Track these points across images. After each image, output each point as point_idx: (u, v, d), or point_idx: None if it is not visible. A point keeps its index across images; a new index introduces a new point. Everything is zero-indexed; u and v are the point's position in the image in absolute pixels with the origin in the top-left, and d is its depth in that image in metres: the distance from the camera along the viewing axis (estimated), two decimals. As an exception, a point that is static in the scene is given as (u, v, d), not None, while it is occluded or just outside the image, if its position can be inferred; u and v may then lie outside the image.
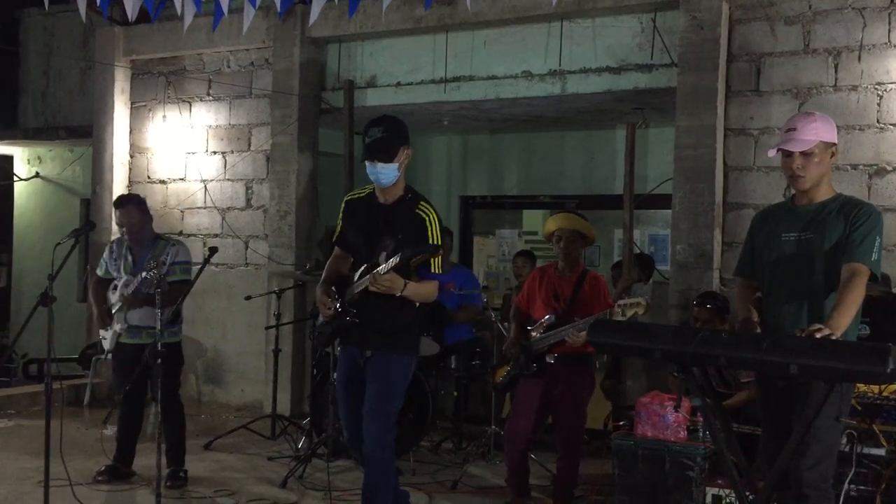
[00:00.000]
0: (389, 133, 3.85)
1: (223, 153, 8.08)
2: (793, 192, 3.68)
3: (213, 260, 5.34)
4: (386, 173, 3.86)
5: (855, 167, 5.69)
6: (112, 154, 8.41)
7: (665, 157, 7.93)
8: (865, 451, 4.11)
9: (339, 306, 3.91)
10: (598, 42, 6.63)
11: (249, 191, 7.95)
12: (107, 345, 5.23)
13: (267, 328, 6.38)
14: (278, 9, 7.06)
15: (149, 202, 8.20)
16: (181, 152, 8.25)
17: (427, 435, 6.14)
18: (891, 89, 5.59)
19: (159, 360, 4.16)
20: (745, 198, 6.00)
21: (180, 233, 8.12)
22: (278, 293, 6.41)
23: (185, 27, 7.40)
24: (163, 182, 8.36)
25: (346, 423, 4.01)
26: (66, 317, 9.31)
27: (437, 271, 3.90)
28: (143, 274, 4.72)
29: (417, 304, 3.97)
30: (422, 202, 3.97)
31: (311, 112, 7.62)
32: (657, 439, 4.65)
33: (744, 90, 6.01)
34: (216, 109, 8.10)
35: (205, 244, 8.00)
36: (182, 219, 8.23)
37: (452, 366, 6.10)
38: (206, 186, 8.06)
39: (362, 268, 3.87)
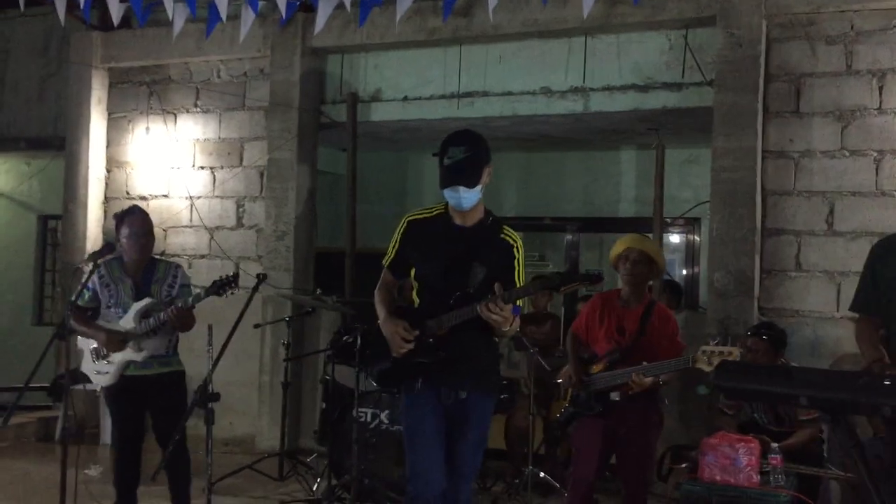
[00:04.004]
0: (473, 153, 3.44)
1: (212, 168, 7.55)
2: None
3: (195, 283, 4.87)
4: (469, 198, 3.46)
5: (901, 193, 5.50)
6: (87, 168, 7.80)
7: (675, 179, 7.72)
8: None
9: (425, 340, 3.46)
10: (622, 59, 6.35)
11: (241, 209, 7.43)
12: (106, 379, 4.62)
13: (285, 360, 5.87)
14: (282, 15, 6.68)
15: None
16: (165, 167, 7.69)
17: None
18: (938, 113, 5.42)
19: (210, 404, 3.65)
20: (785, 223, 5.76)
21: (163, 253, 7.52)
22: (290, 320, 5.90)
23: (175, 33, 6.99)
24: (143, 199, 7.77)
25: (427, 476, 3.46)
26: (21, 342, 8.60)
27: (520, 305, 3.50)
28: (179, 303, 4.34)
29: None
30: (505, 226, 3.59)
31: (310, 126, 7.16)
32: (729, 484, 4.31)
33: (783, 111, 5.79)
34: (204, 122, 7.57)
35: (190, 265, 7.46)
36: (165, 238, 7.64)
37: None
38: (192, 204, 7.51)
39: (454, 297, 3.43)
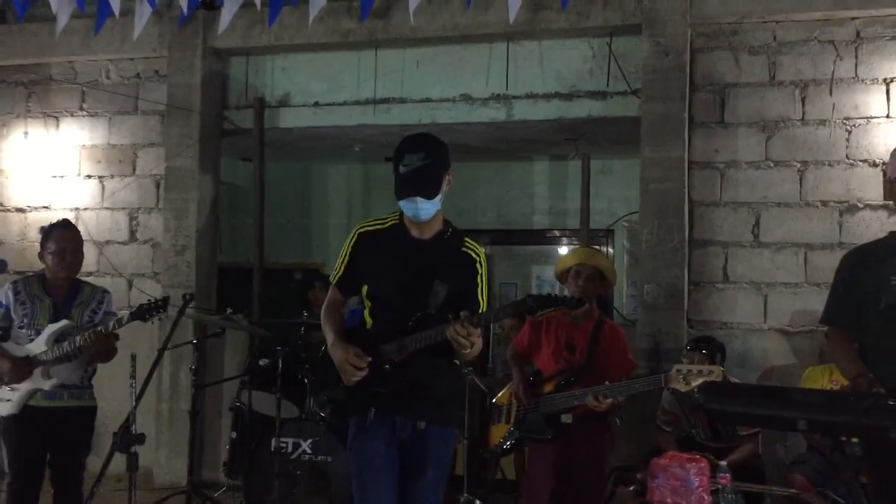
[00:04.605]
0: (432, 160, 3.11)
1: (100, 177, 6.91)
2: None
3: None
4: (427, 209, 3.14)
5: (825, 204, 5.52)
6: (-46, 177, 7.02)
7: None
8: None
9: (381, 366, 3.10)
10: (545, 66, 6.17)
11: (134, 221, 6.83)
12: (7, 408, 4.06)
13: (198, 387, 5.32)
14: (182, 11, 6.20)
15: (4, 233, 7.05)
16: (45, 176, 6.99)
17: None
18: (859, 125, 5.48)
19: (132, 449, 3.17)
20: (712, 235, 5.69)
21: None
22: (197, 342, 5.38)
23: (58, 29, 6.40)
24: (21, 210, 7.04)
25: None
26: None
27: (484, 325, 3.19)
28: (100, 328, 3.95)
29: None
30: (466, 238, 3.28)
31: (213, 132, 6.65)
32: (682, 506, 4.13)
33: (708, 122, 5.73)
34: (92, 126, 6.93)
35: (76, 284, 6.79)
36: (46, 254, 6.93)
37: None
38: (78, 216, 6.84)
39: (413, 319, 3.09)
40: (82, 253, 4.31)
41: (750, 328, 5.60)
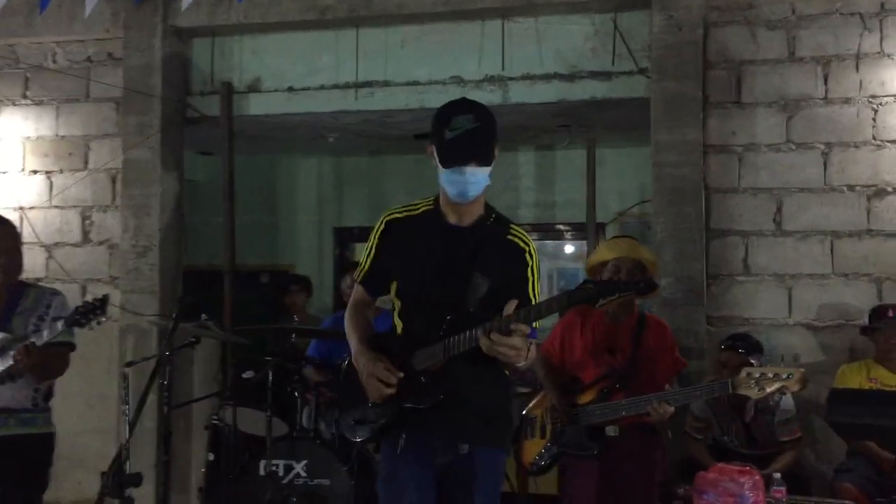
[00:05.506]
0: (484, 122, 2.69)
1: (48, 172, 6.21)
2: None
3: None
4: (477, 181, 2.69)
5: (852, 188, 5.13)
6: None
7: (577, 181, 7.21)
8: None
9: (416, 378, 2.56)
10: (542, 45, 5.68)
11: (87, 221, 6.14)
12: None
13: (172, 407, 4.67)
14: (139, -14, 5.57)
15: (-63, 237, 6.29)
16: (-15, 172, 6.28)
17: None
18: (886, 103, 5.10)
19: (127, 492, 2.56)
20: (730, 224, 5.26)
21: (-16, 278, 6.12)
22: (169, 354, 4.73)
23: (-3, 7, 5.72)
24: (-43, 211, 6.31)
25: None
26: None
27: (537, 327, 2.67)
28: (33, 338, 3.35)
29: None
30: (512, 225, 2.80)
31: (175, 120, 6.01)
32: (738, 525, 3.67)
33: (724, 102, 5.30)
34: (37, 116, 6.23)
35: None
36: (-13, 259, 6.21)
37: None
38: (23, 216, 6.14)
39: (447, 321, 2.56)
40: (20, 252, 3.81)
41: (774, 323, 5.19)
